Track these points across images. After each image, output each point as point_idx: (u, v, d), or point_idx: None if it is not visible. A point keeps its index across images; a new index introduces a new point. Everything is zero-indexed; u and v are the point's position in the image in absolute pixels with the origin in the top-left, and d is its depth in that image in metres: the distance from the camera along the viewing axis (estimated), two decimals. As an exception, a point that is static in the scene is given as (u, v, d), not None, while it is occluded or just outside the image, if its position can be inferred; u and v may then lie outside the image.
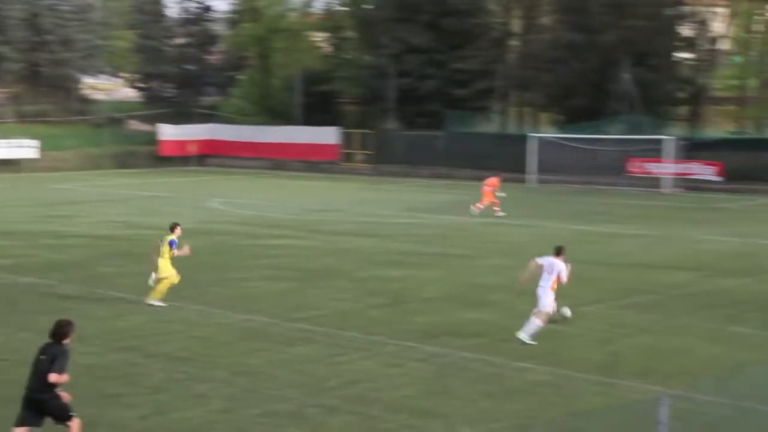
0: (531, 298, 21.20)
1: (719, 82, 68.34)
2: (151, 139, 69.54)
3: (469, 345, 17.29)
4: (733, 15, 66.02)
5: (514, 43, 70.64)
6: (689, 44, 64.15)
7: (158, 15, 78.97)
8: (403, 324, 19.00)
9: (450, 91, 63.81)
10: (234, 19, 79.69)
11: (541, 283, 17.33)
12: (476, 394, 14.37)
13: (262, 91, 76.61)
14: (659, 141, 51.23)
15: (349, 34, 76.62)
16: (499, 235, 32.78)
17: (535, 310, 17.22)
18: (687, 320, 19.30)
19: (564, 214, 39.39)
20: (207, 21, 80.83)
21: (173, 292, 21.72)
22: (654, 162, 51.89)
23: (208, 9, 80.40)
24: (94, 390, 13.34)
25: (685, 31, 63.80)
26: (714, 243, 30.85)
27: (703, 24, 65.30)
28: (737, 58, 68.75)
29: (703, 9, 66.13)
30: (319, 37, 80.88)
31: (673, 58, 62.85)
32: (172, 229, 20.97)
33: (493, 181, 38.61)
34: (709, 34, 66.26)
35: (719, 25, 69.44)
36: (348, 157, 65.70)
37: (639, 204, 43.99)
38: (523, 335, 17.15)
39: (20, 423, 11.46)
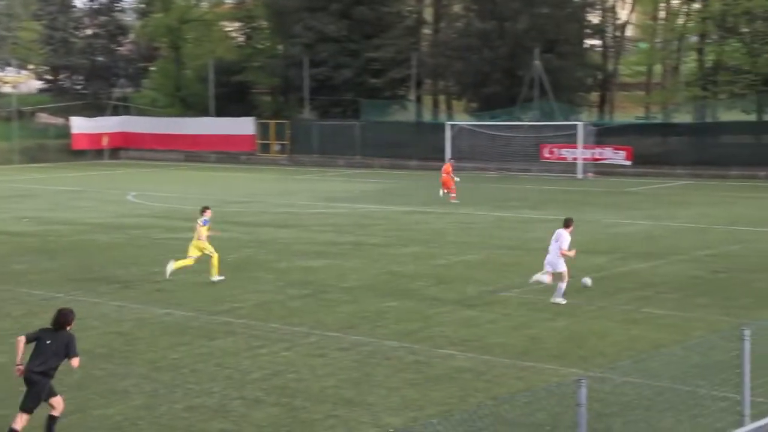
0: (452, 286, 21.48)
1: (627, 69, 69.78)
2: (63, 132, 68.17)
3: (391, 333, 17.39)
4: (638, 2, 67.37)
5: (426, 31, 71.07)
6: (597, 31, 65.36)
7: (65, 5, 77.31)
8: (324, 314, 19.02)
9: (365, 81, 63.97)
10: (144, 10, 78.50)
11: (550, 249, 19.99)
12: (400, 383, 14.46)
13: (174, 82, 75.75)
14: (571, 127, 52.10)
15: (262, 23, 76.21)
16: (418, 223, 32.99)
17: (550, 272, 19.85)
18: (603, 303, 19.69)
19: (480, 200, 39.82)
20: (116, 11, 79.44)
21: (90, 287, 21.41)
22: (567, 148, 52.75)
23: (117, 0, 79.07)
24: (9, 389, 13.06)
25: (593, 18, 64.95)
26: (626, 226, 31.53)
27: (610, 11, 66.55)
28: (643, 45, 70.27)
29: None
30: (231, 27, 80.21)
31: (583, 45, 63.97)
32: (203, 212, 22.44)
33: (447, 167, 39.94)
34: (617, 21, 67.58)
35: (625, 12, 70.84)
36: (264, 148, 65.36)
37: (553, 189, 44.70)
38: (558, 299, 19.45)
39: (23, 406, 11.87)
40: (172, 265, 22.45)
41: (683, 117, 57.67)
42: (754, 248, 26.27)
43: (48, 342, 11.74)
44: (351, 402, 13.64)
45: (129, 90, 75.49)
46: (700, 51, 61.04)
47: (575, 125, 52.07)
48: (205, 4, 77.93)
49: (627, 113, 66.45)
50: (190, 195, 43.24)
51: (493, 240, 28.64)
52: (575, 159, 51.56)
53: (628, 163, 51.85)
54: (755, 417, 10.67)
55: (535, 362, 15.41)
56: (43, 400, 11.78)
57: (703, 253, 25.70)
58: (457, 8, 67.46)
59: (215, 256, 22.18)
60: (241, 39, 78.35)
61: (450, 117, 62.12)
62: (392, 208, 37.27)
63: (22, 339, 11.85)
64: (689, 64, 62.37)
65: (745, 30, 58.19)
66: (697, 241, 28.05)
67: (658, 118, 61.58)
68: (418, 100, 67.19)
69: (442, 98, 71.10)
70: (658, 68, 68.87)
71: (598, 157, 52.58)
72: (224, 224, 32.94)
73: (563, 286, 19.53)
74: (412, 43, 66.12)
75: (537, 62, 55.07)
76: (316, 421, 12.89)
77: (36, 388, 11.69)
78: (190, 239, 28.25)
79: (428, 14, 72.01)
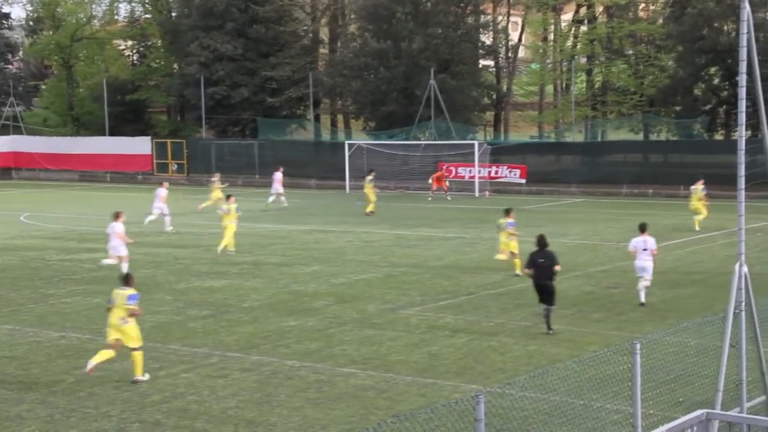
0: (353, 304, 21.59)
1: (520, 89, 71.20)
2: (-50, 152, 66.26)
3: (293, 353, 17.42)
4: (528, 24, 68.92)
5: (323, 51, 71.31)
6: (490, 52, 66.56)
7: (-49, 23, 75.09)
8: (225, 334, 18.93)
9: (262, 99, 63.83)
10: (33, 27, 76.84)
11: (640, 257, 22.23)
12: (301, 402, 14.50)
13: (67, 101, 74.34)
14: (468, 146, 52.85)
15: (156, 42, 75.44)
16: (318, 242, 33.03)
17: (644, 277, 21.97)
18: (501, 319, 20.07)
19: (381, 219, 40.07)
20: (4, 29, 77.48)
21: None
22: (464, 166, 53.46)
23: (5, 16, 77.11)
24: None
25: (487, 39, 66.13)
26: (523, 243, 31.91)
27: (502, 33, 67.89)
28: (535, 66, 71.87)
29: (501, 18, 68.81)
30: (124, 45, 79.16)
31: (477, 66, 65.02)
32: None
33: (440, 174, 47.63)
34: (509, 43, 68.96)
35: (517, 33, 72.41)
36: (161, 168, 64.56)
37: (451, 207, 45.25)
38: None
39: (542, 302, 18.89)
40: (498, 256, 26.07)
41: (575, 136, 59.13)
42: (644, 263, 27.04)
43: (541, 260, 18.87)
44: (253, 422, 13.62)
45: (19, 109, 73.70)
46: (588, 72, 62.73)
47: (472, 144, 52.85)
48: (96, 23, 76.71)
49: (521, 132, 67.81)
50: (84, 215, 42.45)
51: (394, 258, 28.89)
52: (472, 177, 52.31)
53: (523, 181, 52.85)
54: (646, 429, 11.04)
55: (436, 379, 15.63)
56: (554, 296, 18.89)
57: (595, 269, 26.39)
58: (352, 28, 67.86)
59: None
60: (136, 57, 77.38)
61: (348, 136, 62.40)
62: (292, 227, 37.22)
63: (527, 270, 19.33)
64: (579, 84, 64.03)
65: (630, 52, 60.09)
66: (590, 257, 28.77)
67: (551, 137, 62.98)
68: (317, 119, 67.32)
69: (340, 117, 71.34)
70: (549, 88, 70.53)
71: (494, 175, 53.47)
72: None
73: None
74: (309, 63, 66.26)
75: (432, 82, 55.78)
76: (219, 443, 12.84)
77: (548, 289, 18.83)
78: (86, 260, 27.79)
79: (324, 34, 72.28)
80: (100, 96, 68.15)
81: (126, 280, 16.38)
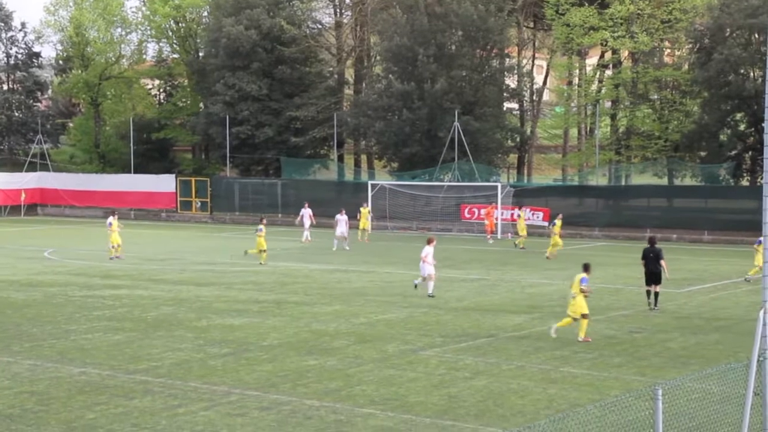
0: (373, 344, 21.53)
1: (544, 132, 71.28)
2: (-23, 188, 66.95)
3: (312, 392, 17.35)
4: (553, 68, 69.13)
5: (348, 91, 71.82)
6: (515, 95, 66.76)
7: (-19, 61, 76.20)
8: (245, 372, 18.90)
9: (286, 139, 64.29)
10: (62, 66, 77.86)
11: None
12: (320, 442, 14.41)
13: (93, 138, 75.11)
14: (491, 188, 52.87)
15: (183, 81, 76.26)
16: (340, 281, 33.03)
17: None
18: (521, 362, 19.93)
19: (402, 259, 40.06)
20: (34, 67, 78.53)
21: (2, 345, 20.95)
22: (486, 208, 53.38)
23: (35, 55, 78.19)
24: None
25: (511, 82, 66.37)
26: (545, 286, 32.00)
27: (527, 76, 68.11)
28: (559, 109, 71.91)
29: (526, 61, 69.06)
30: (151, 84, 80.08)
31: (501, 108, 65.21)
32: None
33: (490, 210, 48.89)
34: (534, 86, 69.18)
35: (542, 77, 72.64)
36: (185, 205, 64.94)
37: (474, 249, 45.17)
38: None
39: (649, 284, 26.30)
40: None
41: (599, 180, 59.03)
42: (666, 308, 26.89)
43: (651, 254, 26.09)
44: (271, 462, 13.52)
45: (47, 146, 74.53)
46: (613, 116, 62.76)
47: (495, 186, 52.87)
48: (125, 62, 77.69)
49: (544, 175, 67.83)
50: (108, 252, 42.62)
51: (414, 299, 28.82)
52: (495, 219, 52.21)
53: (546, 224, 52.77)
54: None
55: (455, 421, 15.51)
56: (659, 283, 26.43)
57: (617, 314, 26.20)
58: (377, 69, 68.34)
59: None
60: (162, 96, 78.23)
61: (371, 176, 62.59)
62: (314, 266, 37.26)
63: (642, 261, 26.42)
64: (603, 128, 64.02)
65: (655, 97, 60.10)
66: (612, 301, 28.59)
67: (575, 181, 62.90)
68: (340, 159, 67.61)
69: (363, 158, 71.65)
70: (573, 132, 70.58)
71: (516, 218, 53.38)
72: (144, 282, 32.67)
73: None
74: (334, 103, 66.72)
75: (456, 123, 55.95)
76: (236, 482, 12.75)
77: (656, 275, 26.08)
78: (109, 296, 27.85)
79: (350, 75, 72.82)
80: (127, 134, 68.82)
81: (585, 267, 22.74)
